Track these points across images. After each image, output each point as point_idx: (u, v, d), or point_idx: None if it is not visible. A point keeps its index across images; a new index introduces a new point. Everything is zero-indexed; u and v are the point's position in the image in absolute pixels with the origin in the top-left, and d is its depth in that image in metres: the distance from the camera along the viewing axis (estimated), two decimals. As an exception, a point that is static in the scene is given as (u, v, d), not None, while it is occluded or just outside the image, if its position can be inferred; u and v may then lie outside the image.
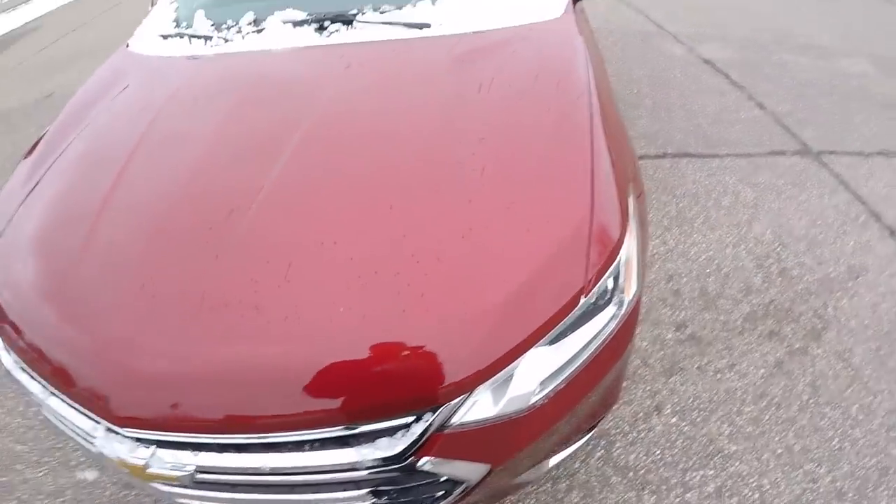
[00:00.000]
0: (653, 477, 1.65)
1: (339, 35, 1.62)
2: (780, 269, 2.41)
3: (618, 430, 1.71)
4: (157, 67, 1.72)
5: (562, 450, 1.24)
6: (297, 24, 1.68)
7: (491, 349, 0.91)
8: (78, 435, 1.13)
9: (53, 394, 1.10)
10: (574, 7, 1.71)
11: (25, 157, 1.58)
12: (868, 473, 1.68)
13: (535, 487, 1.64)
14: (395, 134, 1.28)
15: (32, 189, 1.40)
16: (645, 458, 1.70)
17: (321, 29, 1.65)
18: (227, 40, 1.71)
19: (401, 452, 0.94)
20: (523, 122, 1.24)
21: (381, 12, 1.65)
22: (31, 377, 1.15)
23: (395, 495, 1.04)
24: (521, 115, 1.26)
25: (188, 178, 1.26)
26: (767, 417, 1.80)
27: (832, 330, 2.14)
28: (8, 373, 1.23)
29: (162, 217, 1.19)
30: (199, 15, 1.83)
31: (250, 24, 1.73)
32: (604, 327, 1.02)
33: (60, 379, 1.05)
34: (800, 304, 2.25)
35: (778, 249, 2.53)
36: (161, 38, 1.86)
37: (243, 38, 1.70)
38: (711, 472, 1.67)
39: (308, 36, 1.64)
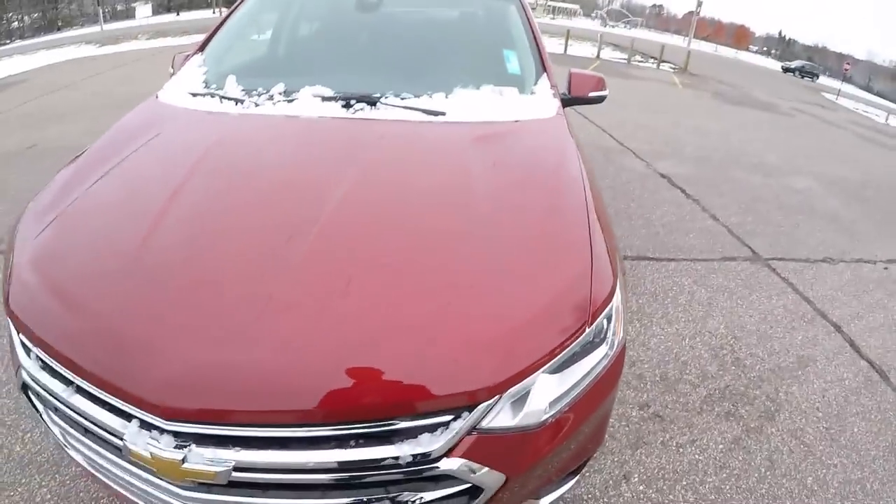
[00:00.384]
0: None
1: (363, 112, 1.84)
2: (734, 359, 2.64)
3: (590, 496, 1.82)
4: (198, 118, 1.90)
5: (554, 489, 1.37)
6: (325, 98, 1.90)
7: (516, 362, 1.07)
8: (98, 435, 1.15)
9: (80, 391, 1.13)
10: (563, 111, 2.10)
11: (62, 171, 1.69)
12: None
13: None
14: (422, 194, 1.48)
15: (73, 202, 1.49)
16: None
17: (347, 106, 1.86)
18: (257, 105, 1.91)
19: (438, 449, 1.03)
20: (529, 193, 1.49)
21: (402, 98, 1.90)
22: (54, 376, 1.17)
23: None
24: (528, 188, 1.51)
25: (235, 211, 1.41)
26: (728, 487, 1.92)
27: (785, 412, 2.33)
28: (22, 381, 1.25)
29: (215, 234, 1.32)
30: (231, 80, 2.05)
31: (281, 93, 1.95)
32: (598, 362, 1.20)
33: (99, 372, 1.08)
34: (753, 388, 2.45)
35: (731, 342, 2.77)
36: (191, 94, 2.06)
37: (274, 104, 1.91)
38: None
39: (335, 110, 1.85)
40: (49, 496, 1.76)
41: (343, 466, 1.04)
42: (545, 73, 2.21)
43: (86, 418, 1.14)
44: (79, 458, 1.28)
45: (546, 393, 1.11)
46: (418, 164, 1.64)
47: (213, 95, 2.01)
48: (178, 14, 53.81)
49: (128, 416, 1.07)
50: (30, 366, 1.21)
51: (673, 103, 11.77)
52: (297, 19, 2.74)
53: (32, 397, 1.29)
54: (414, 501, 1.10)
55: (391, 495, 1.09)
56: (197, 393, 1.02)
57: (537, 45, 2.36)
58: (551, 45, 19.92)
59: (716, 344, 2.72)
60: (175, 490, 1.09)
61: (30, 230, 1.45)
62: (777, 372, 2.59)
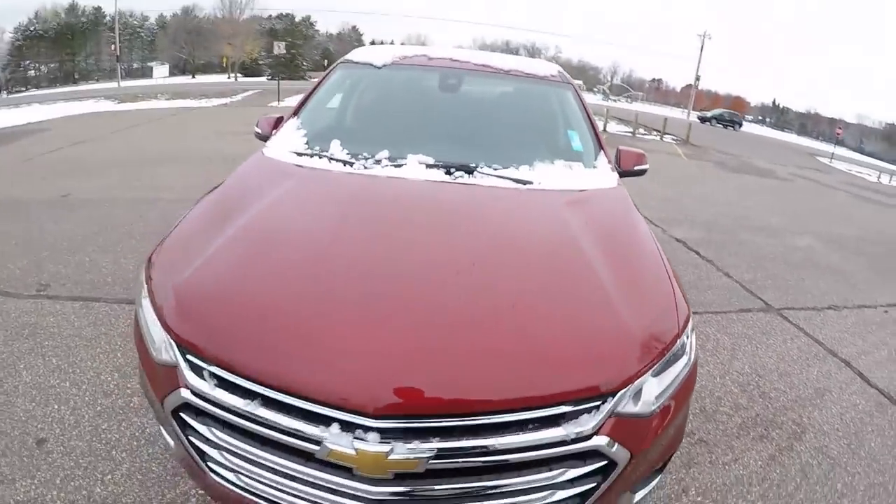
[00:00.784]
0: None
1: (462, 178, 2.15)
2: (760, 392, 3.06)
3: None
4: (320, 175, 2.16)
5: (645, 484, 1.59)
6: (430, 165, 2.20)
7: (637, 362, 1.37)
8: (282, 444, 1.25)
9: (267, 403, 1.25)
10: (620, 181, 2.49)
11: (185, 221, 1.86)
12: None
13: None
14: (538, 241, 1.83)
15: (224, 241, 1.65)
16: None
17: (448, 172, 2.17)
18: (365, 167, 2.18)
19: (591, 428, 1.27)
20: (618, 243, 1.86)
21: (495, 169, 2.23)
22: (234, 392, 1.27)
23: (573, 482, 1.33)
24: (616, 240, 1.88)
25: (390, 247, 1.66)
26: (771, 494, 2.30)
27: (809, 433, 2.73)
28: (181, 403, 1.34)
29: (380, 262, 1.58)
30: (335, 144, 2.32)
31: (388, 159, 2.23)
32: (683, 368, 1.51)
33: (300, 383, 1.22)
34: (780, 416, 2.86)
35: (756, 379, 3.20)
36: (295, 154, 2.32)
37: (383, 167, 2.18)
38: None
39: (439, 175, 2.15)
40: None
41: (522, 447, 1.24)
42: (602, 150, 2.63)
43: (271, 428, 1.25)
44: (230, 475, 1.37)
45: (652, 389, 1.40)
46: (527, 220, 1.99)
47: (320, 156, 2.27)
48: (193, 77, 56.22)
49: (324, 421, 1.20)
50: (201, 386, 1.31)
51: (679, 174, 12.37)
52: (386, 94, 3.01)
53: (190, 418, 1.37)
54: (567, 480, 1.31)
55: (552, 473, 1.29)
56: (400, 392, 1.19)
57: (592, 125, 2.80)
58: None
59: (743, 381, 3.15)
60: (364, 487, 1.21)
61: (175, 270, 1.57)
62: (799, 401, 3.01)
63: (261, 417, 1.24)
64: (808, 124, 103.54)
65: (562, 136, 2.84)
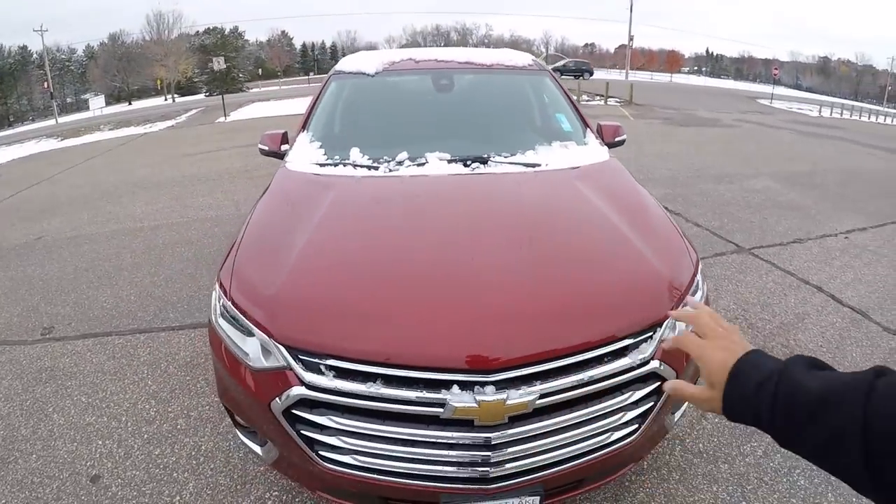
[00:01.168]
0: (718, 454, 2.37)
1: (479, 168, 2.36)
2: (748, 324, 3.34)
3: (683, 432, 2.40)
4: (355, 181, 2.30)
5: (678, 409, 1.84)
6: (449, 161, 2.39)
7: (674, 297, 1.66)
8: (410, 413, 1.40)
9: (388, 383, 1.40)
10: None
11: (246, 243, 1.93)
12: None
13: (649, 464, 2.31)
14: (568, 210, 2.09)
15: (299, 252, 1.77)
16: (708, 444, 2.43)
17: (466, 164, 2.37)
18: (390, 169, 2.35)
19: (649, 354, 1.52)
20: (632, 205, 2.13)
21: (505, 157, 2.45)
22: (355, 379, 1.41)
23: (636, 403, 1.57)
24: (628, 203, 2.14)
25: (449, 232, 1.87)
26: None
27: (798, 352, 3.01)
28: (295, 401, 1.44)
29: (446, 246, 1.79)
30: (355, 151, 2.46)
31: (409, 159, 2.40)
32: (700, 300, 1.78)
33: (424, 358, 1.40)
34: (770, 341, 3.15)
35: (742, 312, 3.49)
36: (318, 165, 2.46)
37: (406, 168, 2.36)
38: (750, 447, 2.40)
39: (458, 168, 2.35)
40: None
41: (601, 378, 1.48)
42: (587, 128, 2.92)
43: (394, 402, 1.41)
44: (345, 458, 1.49)
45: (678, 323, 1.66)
46: (551, 196, 2.22)
47: (343, 164, 2.42)
48: (129, 103, 54.74)
49: (443, 385, 1.39)
50: (318, 380, 1.44)
51: (630, 135, 12.53)
52: (386, 100, 3.18)
53: (304, 413, 1.48)
54: (632, 402, 1.57)
55: (623, 396, 1.54)
56: (506, 348, 1.41)
57: (574, 106, 3.09)
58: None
59: (731, 316, 3.43)
60: (483, 435, 1.40)
61: (264, 284, 1.66)
62: (783, 327, 3.31)
63: (384, 395, 1.40)
64: (744, 68, 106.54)
65: (552, 120, 3.07)
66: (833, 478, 2.05)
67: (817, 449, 0.56)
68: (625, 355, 1.53)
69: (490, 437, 1.41)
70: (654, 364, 1.56)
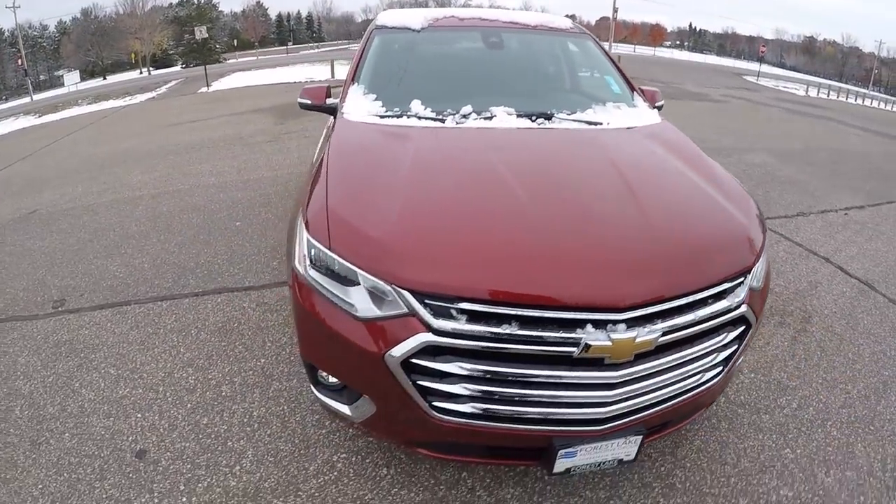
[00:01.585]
0: (759, 405, 2.45)
1: (544, 124, 2.35)
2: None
3: None
4: (430, 132, 2.22)
5: (736, 363, 1.84)
6: (517, 115, 2.37)
7: (756, 249, 1.75)
8: (543, 353, 1.42)
9: (524, 324, 1.41)
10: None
11: (335, 189, 1.81)
12: (874, 383, 2.59)
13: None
14: (637, 164, 2.07)
15: (403, 198, 1.72)
16: (748, 397, 2.52)
17: (531, 120, 2.36)
18: (457, 122, 2.30)
19: (741, 298, 1.62)
20: (697, 163, 2.17)
21: (569, 114, 2.47)
22: (489, 323, 1.41)
23: (725, 346, 1.66)
24: (693, 161, 2.18)
25: (525, 182, 1.82)
26: (804, 366, 2.68)
27: (815, 317, 3.12)
28: (422, 348, 1.40)
29: (536, 197, 1.74)
30: (416, 103, 2.40)
31: (475, 112, 2.37)
32: (766, 265, 1.87)
33: (561, 298, 1.42)
34: (789, 305, 3.24)
35: (758, 281, 3.59)
36: (378, 116, 2.38)
37: (473, 121, 2.32)
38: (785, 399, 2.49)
39: (523, 122, 2.33)
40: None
41: (706, 319, 1.56)
42: (634, 91, 2.93)
43: (530, 343, 1.41)
44: (468, 408, 1.48)
45: (760, 268, 1.77)
46: (626, 152, 2.20)
47: (408, 116, 2.35)
48: (104, 78, 53.43)
49: (578, 324, 1.41)
50: (449, 325, 1.41)
51: None
52: (438, 55, 3.10)
53: (427, 362, 1.44)
54: (723, 344, 1.65)
55: (720, 336, 1.63)
56: (633, 288, 1.45)
57: (619, 69, 3.08)
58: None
59: (748, 285, 3.52)
60: (611, 374, 1.45)
61: (374, 230, 1.58)
62: (798, 294, 3.41)
63: (520, 336, 1.41)
64: (727, 44, 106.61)
65: (601, 81, 3.09)
66: (862, 428, 2.09)
67: None
68: (723, 298, 1.61)
69: (616, 376, 1.46)
70: (744, 308, 1.65)
